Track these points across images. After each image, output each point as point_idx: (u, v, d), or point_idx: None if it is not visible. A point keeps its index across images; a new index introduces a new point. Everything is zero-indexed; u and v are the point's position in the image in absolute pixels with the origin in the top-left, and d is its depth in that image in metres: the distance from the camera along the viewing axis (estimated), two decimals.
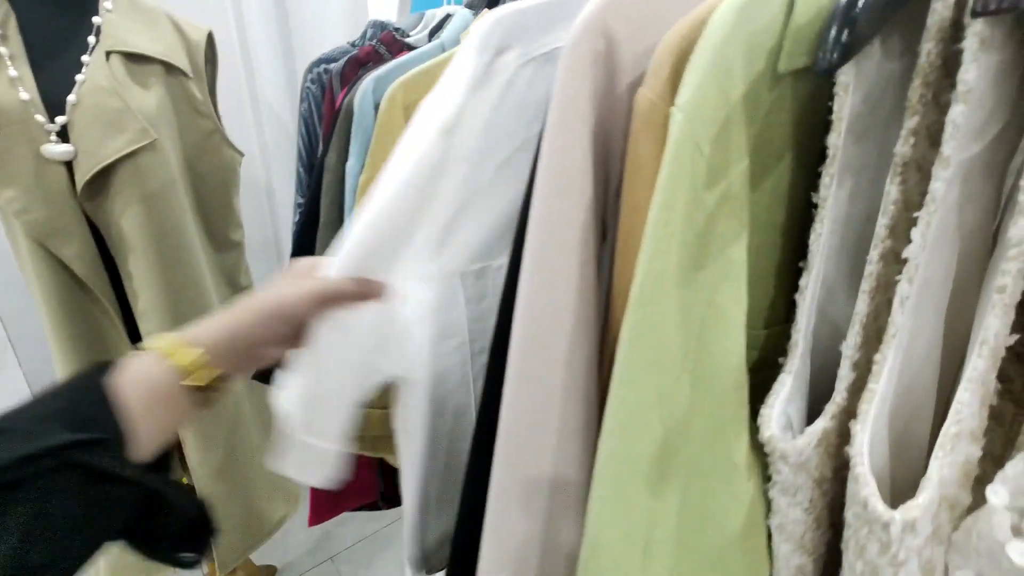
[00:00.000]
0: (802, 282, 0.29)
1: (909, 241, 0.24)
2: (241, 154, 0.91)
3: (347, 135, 0.57)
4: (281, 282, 0.37)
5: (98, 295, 0.76)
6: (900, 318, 0.24)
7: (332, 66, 0.68)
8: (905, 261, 0.24)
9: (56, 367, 0.81)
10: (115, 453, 0.27)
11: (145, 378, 0.30)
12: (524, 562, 0.36)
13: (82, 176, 0.70)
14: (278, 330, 0.35)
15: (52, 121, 0.68)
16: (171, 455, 0.33)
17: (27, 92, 0.66)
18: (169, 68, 0.76)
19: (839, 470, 0.28)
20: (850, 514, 0.24)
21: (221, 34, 0.89)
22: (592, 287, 0.34)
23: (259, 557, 1.45)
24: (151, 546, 0.31)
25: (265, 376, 0.70)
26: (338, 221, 0.61)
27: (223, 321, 0.34)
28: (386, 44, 0.68)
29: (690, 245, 0.28)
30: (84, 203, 0.72)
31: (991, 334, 0.22)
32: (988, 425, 0.24)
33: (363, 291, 0.38)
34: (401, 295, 0.41)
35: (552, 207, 0.33)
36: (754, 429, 0.28)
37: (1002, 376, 0.26)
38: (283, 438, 0.40)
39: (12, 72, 0.66)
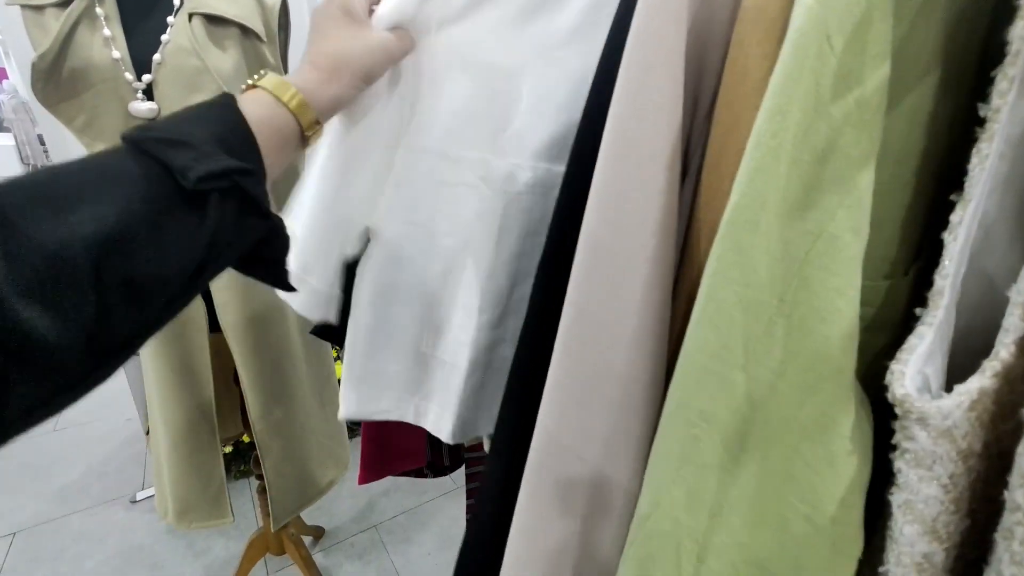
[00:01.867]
0: (954, 217, 0.24)
1: None
2: None
3: None
4: (336, 32, 0.36)
5: None
6: None
7: None
8: None
9: None
10: (261, 186, 0.30)
11: (269, 120, 0.32)
12: (570, 503, 0.33)
13: None
14: (352, 78, 0.36)
15: (139, 79, 0.72)
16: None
17: (118, 51, 0.70)
18: (245, 31, 0.78)
19: (991, 444, 0.22)
20: (1020, 494, 0.19)
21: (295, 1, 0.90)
22: (672, 226, 0.30)
23: (309, 519, 1.52)
24: (257, 270, 0.33)
25: (324, 332, 0.70)
26: None
27: (311, 75, 0.35)
28: None
29: (804, 162, 0.23)
30: None
31: None
32: None
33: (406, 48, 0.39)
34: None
35: (631, 130, 0.29)
36: (875, 387, 0.23)
37: None
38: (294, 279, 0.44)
39: (106, 32, 0.69)
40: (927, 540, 0.22)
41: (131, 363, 1.70)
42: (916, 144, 0.27)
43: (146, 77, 0.72)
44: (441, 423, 0.53)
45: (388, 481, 1.71)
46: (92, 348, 0.23)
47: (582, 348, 0.33)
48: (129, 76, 0.71)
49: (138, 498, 1.62)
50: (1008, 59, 0.21)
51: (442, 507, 1.62)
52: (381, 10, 0.37)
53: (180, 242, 0.26)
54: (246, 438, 1.23)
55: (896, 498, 0.23)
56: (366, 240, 0.49)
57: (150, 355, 0.91)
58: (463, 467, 0.92)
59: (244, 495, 1.63)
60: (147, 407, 1.01)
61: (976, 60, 0.25)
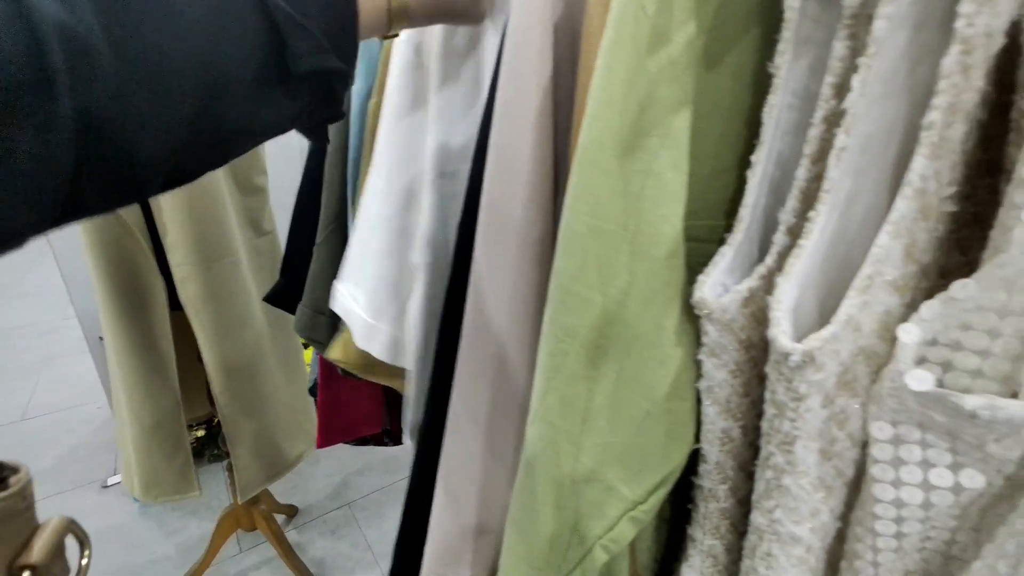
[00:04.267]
0: (754, 158, 0.29)
1: None
2: None
3: None
4: None
5: (130, 225, 0.82)
6: (835, 172, 0.24)
7: None
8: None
9: (95, 287, 0.89)
10: (348, 87, 0.33)
11: (370, 19, 0.34)
12: (478, 428, 0.38)
13: None
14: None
15: None
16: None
17: None
18: None
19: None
20: (769, 367, 0.24)
21: None
22: (546, 172, 0.35)
23: (283, 497, 1.55)
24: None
25: (277, 300, 0.74)
26: (343, 147, 0.63)
27: None
28: None
29: (630, 110, 0.28)
30: None
31: (916, 175, 0.21)
32: (919, 282, 0.23)
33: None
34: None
35: (509, 89, 0.34)
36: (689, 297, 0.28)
37: (963, 248, 0.26)
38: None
39: None
40: (723, 417, 0.28)
41: (99, 350, 1.70)
42: (744, 100, 0.32)
43: None
44: None
45: (362, 460, 1.75)
46: (175, 166, 0.25)
47: (480, 292, 0.37)
48: None
49: (109, 483, 1.63)
50: (784, 24, 0.26)
51: None
52: None
53: (269, 115, 0.28)
54: (217, 420, 1.26)
55: (701, 385, 0.28)
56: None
57: (111, 333, 0.93)
58: None
59: (218, 478, 1.65)
60: (111, 383, 1.03)
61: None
